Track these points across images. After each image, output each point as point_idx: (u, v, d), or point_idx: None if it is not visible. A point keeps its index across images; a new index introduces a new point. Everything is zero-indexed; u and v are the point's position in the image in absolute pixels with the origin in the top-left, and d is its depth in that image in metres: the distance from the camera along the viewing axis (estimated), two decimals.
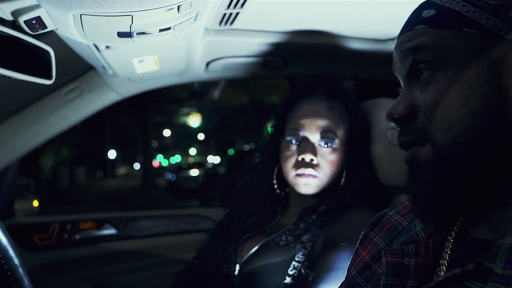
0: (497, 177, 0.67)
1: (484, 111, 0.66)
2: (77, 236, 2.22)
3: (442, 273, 0.75)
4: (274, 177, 1.68)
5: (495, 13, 0.67)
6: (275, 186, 1.68)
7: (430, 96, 0.71)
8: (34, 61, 1.27)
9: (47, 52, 1.29)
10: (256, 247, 1.56)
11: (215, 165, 21.06)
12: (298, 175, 1.55)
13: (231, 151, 20.06)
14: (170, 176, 20.62)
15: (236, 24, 1.60)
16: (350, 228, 1.44)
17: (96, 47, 1.40)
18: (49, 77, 1.31)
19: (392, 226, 0.91)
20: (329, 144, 1.56)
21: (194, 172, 18.65)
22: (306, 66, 2.01)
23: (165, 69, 1.78)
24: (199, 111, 23.63)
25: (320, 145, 1.56)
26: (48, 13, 1.04)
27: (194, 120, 24.28)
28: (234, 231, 1.68)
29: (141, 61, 1.60)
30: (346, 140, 1.59)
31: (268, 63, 1.96)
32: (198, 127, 25.45)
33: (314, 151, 1.54)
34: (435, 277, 0.76)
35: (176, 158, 30.62)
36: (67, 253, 2.19)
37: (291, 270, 1.44)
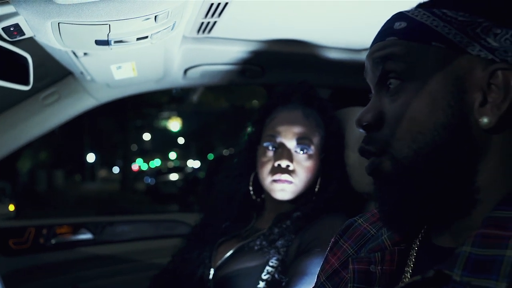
0: (457, 188, 0.70)
1: (447, 124, 0.68)
2: (53, 241, 2.21)
3: (406, 280, 0.78)
4: (250, 183, 1.70)
5: (463, 29, 0.69)
6: (251, 192, 1.70)
7: (397, 107, 0.72)
8: (11, 66, 1.28)
9: (25, 58, 1.31)
10: (231, 252, 1.58)
11: (195, 170, 21.01)
12: (274, 180, 1.57)
13: (211, 156, 20.05)
14: (149, 180, 20.49)
15: (214, 33, 1.62)
16: (323, 234, 1.46)
17: (74, 53, 1.41)
18: (26, 82, 1.32)
19: (360, 234, 0.93)
20: (305, 151, 1.58)
21: (174, 177, 18.58)
22: (283, 74, 2.04)
23: (143, 76, 1.79)
24: (180, 115, 23.58)
25: (296, 151, 1.58)
26: (26, 21, 1.05)
27: (174, 124, 24.21)
28: (209, 235, 1.69)
29: (119, 67, 1.61)
30: (321, 148, 1.62)
31: (246, 71, 1.99)
32: (178, 131, 25.39)
33: (290, 157, 1.56)
34: (403, 278, 0.78)
35: (156, 162, 30.47)
36: (43, 257, 2.18)
37: (264, 275, 1.46)
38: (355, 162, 1.59)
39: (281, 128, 1.59)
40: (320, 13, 1.48)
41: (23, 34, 1.11)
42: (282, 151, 1.57)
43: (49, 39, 1.17)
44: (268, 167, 1.59)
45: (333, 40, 1.74)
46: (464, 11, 0.70)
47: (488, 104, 0.68)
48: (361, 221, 0.96)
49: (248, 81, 2.11)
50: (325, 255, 0.98)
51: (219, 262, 1.58)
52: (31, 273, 2.15)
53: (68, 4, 0.94)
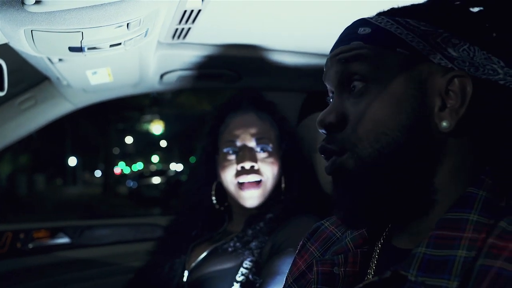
0: (416, 188, 0.73)
1: (409, 125, 0.72)
2: (31, 245, 2.21)
3: (371, 276, 0.81)
4: (213, 192, 1.71)
5: (425, 38, 0.72)
6: (214, 202, 1.71)
7: (360, 108, 0.75)
8: None
9: None
10: (204, 254, 1.59)
11: (177, 173, 20.93)
12: (240, 185, 1.59)
13: (193, 159, 19.98)
14: (131, 183, 20.36)
15: (189, 38, 1.64)
16: (295, 235, 1.47)
17: (49, 59, 1.42)
18: (1, 88, 1.33)
19: (326, 236, 0.96)
20: (265, 149, 1.62)
21: (156, 180, 18.48)
22: (258, 79, 2.06)
23: (120, 81, 1.80)
24: (162, 118, 23.45)
25: (257, 151, 1.61)
26: None
27: (156, 127, 24.07)
28: (182, 238, 1.70)
29: (95, 73, 1.62)
30: (278, 146, 1.66)
31: (222, 76, 2.01)
32: (161, 134, 25.25)
33: (253, 158, 1.59)
34: (366, 279, 0.81)
35: (138, 166, 30.25)
36: (20, 262, 2.17)
37: (239, 277, 1.48)
38: (314, 163, 1.64)
39: (239, 131, 1.62)
40: (294, 20, 1.51)
41: None
42: (244, 153, 1.59)
43: (23, 45, 1.18)
44: (231, 171, 1.61)
45: (305, 45, 1.77)
46: (426, 21, 0.73)
47: (447, 109, 0.72)
48: (328, 224, 0.98)
49: (225, 86, 2.13)
50: (294, 258, 1.01)
51: (193, 264, 1.59)
52: (8, 278, 2.14)
53: (41, 12, 0.96)
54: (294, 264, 0.99)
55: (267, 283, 1.40)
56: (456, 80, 0.71)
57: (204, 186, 1.74)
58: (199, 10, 1.36)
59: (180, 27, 1.50)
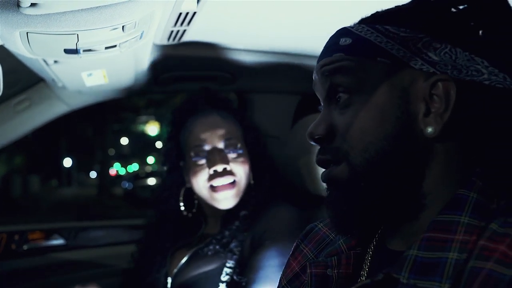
0: (405, 193, 0.73)
1: (395, 134, 0.72)
2: (25, 247, 2.20)
3: (364, 278, 0.81)
4: (181, 198, 1.70)
5: (405, 44, 0.72)
6: (182, 208, 1.69)
7: (347, 119, 0.75)
8: None
9: None
10: (185, 258, 1.58)
11: None
12: (214, 188, 1.57)
13: None
14: (127, 185, 20.32)
15: (184, 40, 1.65)
16: (272, 226, 1.49)
17: (44, 61, 1.43)
18: None
19: (320, 238, 0.96)
20: (235, 149, 1.60)
21: (152, 181, 18.44)
22: (253, 81, 2.07)
23: (115, 82, 1.80)
24: (157, 119, 23.43)
25: (227, 152, 1.59)
26: None
27: (152, 129, 24.05)
28: (159, 248, 1.69)
29: (90, 74, 1.62)
30: (245, 143, 1.66)
31: (217, 78, 2.02)
32: (156, 136, 25.21)
33: (225, 160, 1.57)
34: (359, 281, 0.82)
35: (134, 167, 30.19)
36: (14, 263, 2.17)
37: (224, 277, 1.47)
38: (312, 166, 1.65)
39: (206, 135, 1.59)
40: (288, 21, 1.52)
41: None
42: (215, 156, 1.57)
43: (18, 48, 1.18)
44: (203, 176, 1.58)
45: (302, 47, 1.78)
46: (406, 27, 0.73)
47: (431, 114, 0.72)
48: (321, 226, 0.98)
49: (220, 87, 2.14)
50: (287, 260, 1.01)
51: (175, 270, 1.58)
52: (3, 280, 2.13)
53: (36, 15, 0.96)
54: (287, 265, 0.99)
55: (252, 280, 1.40)
56: (439, 84, 0.71)
57: (171, 194, 1.72)
58: (194, 12, 1.36)
59: (175, 29, 1.50)
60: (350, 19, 0.81)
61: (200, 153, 1.59)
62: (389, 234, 0.80)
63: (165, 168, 1.77)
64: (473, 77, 0.71)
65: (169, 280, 1.59)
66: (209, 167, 1.56)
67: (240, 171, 1.59)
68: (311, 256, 0.95)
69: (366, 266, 0.83)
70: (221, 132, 1.60)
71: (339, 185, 0.77)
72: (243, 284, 1.45)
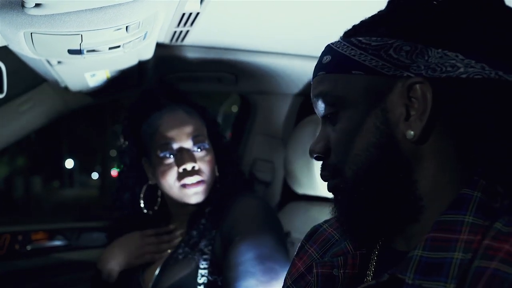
0: (398, 198, 0.74)
1: (377, 143, 0.74)
2: (29, 247, 2.20)
3: (370, 278, 0.81)
4: (142, 195, 1.67)
5: (377, 53, 0.73)
6: (142, 206, 1.67)
7: (337, 135, 0.78)
8: None
9: None
10: (158, 269, 1.55)
11: None
12: (184, 185, 1.54)
13: None
14: None
15: (187, 41, 1.65)
16: (239, 221, 1.48)
17: (48, 62, 1.43)
18: (0, 91, 1.34)
19: (325, 238, 0.96)
20: (202, 147, 1.58)
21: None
22: (256, 82, 2.07)
23: (118, 83, 1.81)
24: None
25: (195, 150, 1.57)
26: None
27: None
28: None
29: (93, 75, 1.63)
30: (209, 138, 1.64)
31: (220, 79, 2.02)
32: None
33: (193, 158, 1.55)
34: (365, 282, 0.82)
35: None
36: (18, 264, 2.17)
37: (200, 279, 1.46)
38: (308, 167, 1.66)
39: (173, 133, 1.56)
40: (292, 22, 1.52)
41: None
42: (183, 155, 1.55)
43: (22, 48, 1.19)
44: (172, 175, 1.55)
45: (305, 48, 1.79)
46: (376, 35, 0.74)
47: (411, 117, 0.73)
48: (326, 226, 0.99)
49: (223, 89, 2.15)
50: (292, 260, 1.01)
51: (151, 283, 1.55)
52: (6, 280, 2.14)
53: (40, 15, 0.96)
54: (293, 265, 0.99)
55: (233, 278, 1.38)
56: (416, 86, 0.72)
57: (134, 193, 1.69)
58: (198, 13, 1.37)
59: (178, 29, 1.51)
60: (351, 20, 0.81)
61: (168, 151, 1.56)
62: (393, 235, 0.81)
63: (122, 165, 1.73)
64: (448, 73, 0.70)
65: None
66: (178, 166, 1.54)
67: (207, 170, 1.58)
68: (316, 257, 0.95)
69: (372, 266, 0.83)
70: (188, 130, 1.57)
71: (340, 194, 0.80)
72: (219, 283, 1.44)
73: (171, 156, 1.56)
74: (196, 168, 1.55)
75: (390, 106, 0.74)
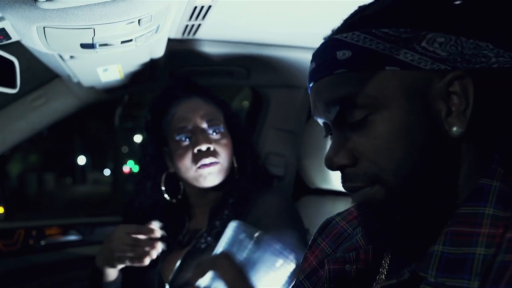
0: (443, 198, 0.70)
1: (424, 143, 0.69)
2: (43, 242, 2.22)
3: (383, 276, 0.80)
4: (162, 183, 1.68)
5: (410, 46, 0.68)
6: (165, 194, 1.67)
7: (371, 140, 0.70)
8: None
9: (12, 62, 1.32)
10: (179, 262, 1.54)
11: None
12: (199, 168, 1.55)
13: None
14: None
15: (199, 35, 1.65)
16: (263, 217, 1.49)
17: (60, 56, 1.43)
18: (13, 86, 1.34)
19: (338, 232, 0.95)
20: (217, 130, 1.61)
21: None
22: (268, 75, 2.07)
23: (130, 78, 1.81)
24: None
25: (210, 133, 1.60)
26: (12, 25, 1.07)
27: None
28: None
29: (106, 70, 1.63)
30: (227, 127, 1.66)
31: (232, 73, 2.01)
32: None
33: (208, 140, 1.57)
34: (377, 280, 0.80)
35: None
36: (32, 259, 2.19)
37: None
38: (321, 161, 1.66)
39: (189, 115, 1.60)
40: (303, 16, 1.51)
41: (9, 38, 1.13)
42: (198, 136, 1.57)
43: (35, 43, 1.19)
44: (188, 157, 1.57)
45: (317, 42, 1.77)
46: (405, 26, 0.69)
47: (453, 113, 0.69)
48: (339, 220, 0.97)
49: (235, 83, 2.14)
50: (304, 254, 1.00)
51: (171, 276, 1.54)
52: (21, 275, 2.15)
53: (53, 9, 0.96)
54: (305, 259, 0.98)
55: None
56: (456, 82, 0.68)
57: (156, 182, 1.70)
58: (209, 6, 1.36)
59: (190, 23, 1.50)
60: None
61: (184, 134, 1.59)
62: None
63: (144, 157, 1.75)
64: (482, 64, 0.68)
65: (167, 287, 1.54)
66: (193, 147, 1.57)
67: (223, 153, 1.59)
68: (329, 251, 0.94)
69: (387, 259, 0.82)
70: (202, 112, 1.61)
71: (376, 206, 0.73)
72: None
73: (187, 139, 1.59)
74: (212, 149, 1.57)
75: (432, 101, 0.69)
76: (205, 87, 1.74)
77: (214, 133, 1.60)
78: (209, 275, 0.72)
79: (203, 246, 1.52)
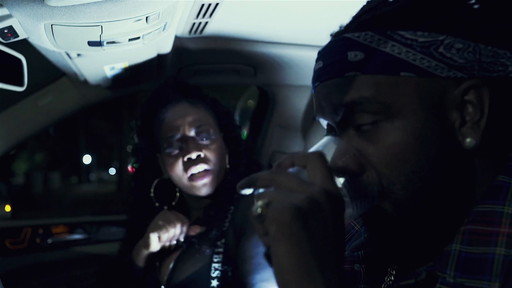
0: (456, 207, 0.68)
1: (438, 155, 0.65)
2: (49, 240, 2.22)
3: (392, 276, 0.78)
4: (152, 190, 1.66)
5: (427, 51, 0.64)
6: (156, 202, 1.65)
7: (380, 149, 0.67)
8: (5, 68, 1.30)
9: (19, 60, 1.33)
10: (172, 263, 1.55)
11: None
12: (191, 177, 1.54)
13: None
14: None
15: (206, 32, 1.64)
16: (248, 215, 1.45)
17: (67, 54, 1.43)
18: (20, 84, 1.34)
19: (345, 229, 0.95)
20: (207, 136, 1.57)
21: None
22: (275, 74, 2.06)
23: (136, 76, 1.81)
24: None
25: (199, 140, 1.57)
26: (20, 23, 1.07)
27: None
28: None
29: (113, 68, 1.63)
30: (218, 129, 1.63)
31: (238, 71, 2.01)
32: None
33: (198, 147, 1.54)
34: (385, 280, 0.79)
35: None
36: (39, 257, 2.19)
37: (213, 273, 1.46)
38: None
39: (176, 124, 1.57)
40: (312, 13, 1.50)
41: (17, 36, 1.13)
42: (188, 145, 1.54)
43: (42, 40, 1.19)
44: (179, 166, 1.55)
45: (325, 40, 1.76)
46: (422, 29, 0.65)
47: (467, 123, 0.66)
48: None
49: (242, 81, 2.13)
50: None
51: (166, 277, 1.55)
52: (28, 273, 2.16)
53: (61, 6, 0.96)
54: None
55: (248, 271, 1.38)
56: (472, 91, 0.65)
57: (149, 188, 1.68)
58: (217, 4, 1.36)
59: (197, 21, 1.50)
60: None
61: (173, 143, 1.56)
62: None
63: (137, 162, 1.73)
64: (499, 72, 0.65)
65: None
66: (183, 156, 1.54)
67: (214, 158, 1.57)
68: None
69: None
70: (190, 119, 1.57)
71: (384, 222, 0.70)
72: (229, 273, 1.44)
73: (177, 147, 1.56)
74: (202, 156, 1.54)
75: (446, 112, 0.66)
76: (194, 88, 1.70)
77: (204, 139, 1.57)
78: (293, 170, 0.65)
79: (193, 249, 1.52)
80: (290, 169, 0.64)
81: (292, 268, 0.54)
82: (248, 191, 0.65)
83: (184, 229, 1.57)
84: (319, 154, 0.61)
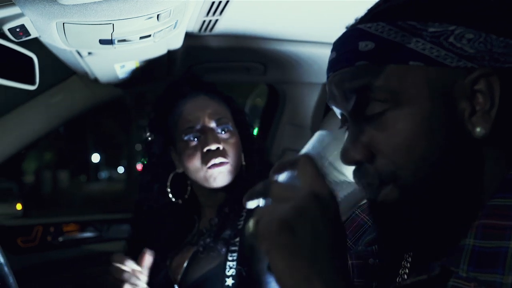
0: (466, 199, 0.67)
1: (446, 143, 0.66)
2: (61, 239, 2.24)
3: (407, 270, 0.78)
4: (168, 183, 1.64)
5: (437, 41, 0.65)
6: (171, 196, 1.63)
7: (389, 137, 0.68)
8: (18, 67, 1.30)
9: (31, 59, 1.33)
10: (186, 262, 1.53)
11: None
12: (209, 168, 1.52)
13: None
14: None
15: (216, 30, 1.64)
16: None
17: (78, 53, 1.43)
18: (32, 82, 1.35)
19: (358, 224, 0.94)
20: (226, 129, 1.57)
21: None
22: (285, 72, 2.06)
23: (147, 74, 1.81)
24: None
25: (219, 132, 1.56)
26: (31, 22, 1.08)
27: None
28: (156, 251, 1.51)
29: (123, 66, 1.63)
30: (234, 125, 1.62)
31: (249, 69, 2.01)
32: None
33: (217, 139, 1.53)
34: (400, 274, 0.79)
35: None
36: (50, 255, 2.20)
37: (228, 271, 1.44)
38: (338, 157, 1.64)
39: (197, 115, 1.55)
40: (322, 10, 1.50)
41: (29, 34, 1.14)
42: (207, 136, 1.53)
43: (54, 39, 1.19)
44: (198, 157, 1.53)
45: (335, 37, 1.76)
46: (433, 20, 0.66)
47: (477, 112, 0.66)
48: (358, 212, 0.97)
49: (252, 79, 2.14)
50: None
51: (179, 276, 1.53)
52: (39, 271, 2.17)
53: (72, 5, 0.96)
54: None
55: (263, 270, 1.38)
56: (482, 80, 0.65)
57: (162, 183, 1.65)
58: (227, 1, 1.35)
59: (207, 19, 1.50)
60: None
61: (192, 134, 1.55)
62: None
63: (149, 157, 1.70)
64: (511, 63, 0.65)
65: (176, 287, 1.53)
66: (202, 147, 1.52)
67: (232, 152, 1.55)
68: (349, 243, 0.93)
69: (408, 254, 0.80)
70: (210, 110, 1.56)
71: (389, 207, 0.70)
72: (244, 273, 1.42)
73: (195, 139, 1.55)
74: (221, 148, 1.53)
75: (456, 100, 0.66)
76: (210, 84, 1.70)
77: (223, 132, 1.57)
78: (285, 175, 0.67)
79: (208, 247, 1.50)
80: (285, 174, 0.67)
81: (289, 276, 0.56)
82: (253, 204, 0.70)
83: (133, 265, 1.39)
84: (306, 157, 0.63)
